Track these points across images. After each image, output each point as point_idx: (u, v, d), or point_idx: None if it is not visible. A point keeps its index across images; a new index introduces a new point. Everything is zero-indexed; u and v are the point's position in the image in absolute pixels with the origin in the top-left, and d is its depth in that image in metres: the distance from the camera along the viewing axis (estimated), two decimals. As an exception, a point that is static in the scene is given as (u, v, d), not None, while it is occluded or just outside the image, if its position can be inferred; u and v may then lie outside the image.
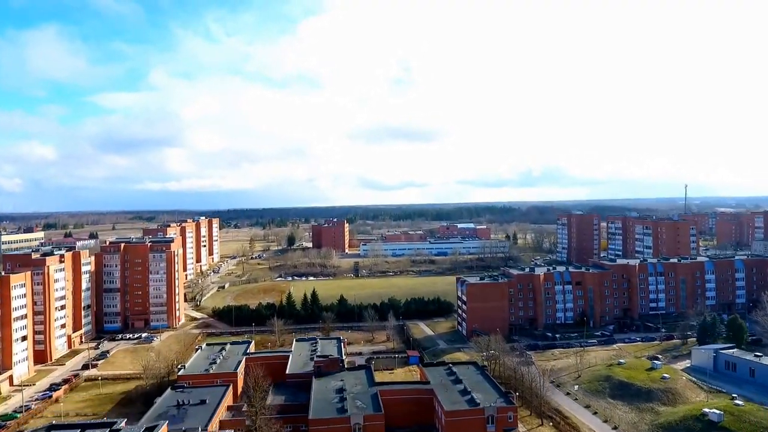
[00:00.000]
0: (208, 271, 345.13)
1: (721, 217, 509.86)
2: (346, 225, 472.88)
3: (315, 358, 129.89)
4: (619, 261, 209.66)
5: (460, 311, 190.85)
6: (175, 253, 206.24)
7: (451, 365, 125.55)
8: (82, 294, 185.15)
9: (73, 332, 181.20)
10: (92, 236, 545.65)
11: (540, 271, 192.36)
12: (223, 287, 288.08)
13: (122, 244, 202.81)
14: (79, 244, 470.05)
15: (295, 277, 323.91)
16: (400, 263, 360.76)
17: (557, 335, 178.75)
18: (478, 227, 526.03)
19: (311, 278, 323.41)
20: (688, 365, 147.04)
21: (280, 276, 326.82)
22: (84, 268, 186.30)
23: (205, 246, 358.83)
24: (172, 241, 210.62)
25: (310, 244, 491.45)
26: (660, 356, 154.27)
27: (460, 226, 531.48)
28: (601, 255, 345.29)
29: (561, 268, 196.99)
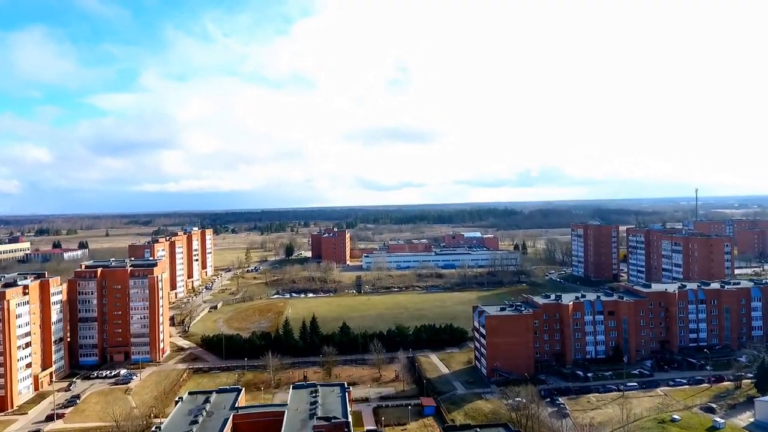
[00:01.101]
0: (201, 287, 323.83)
1: (740, 225, 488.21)
2: (347, 235, 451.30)
3: (315, 421, 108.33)
4: (655, 286, 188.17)
5: (477, 344, 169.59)
6: (159, 278, 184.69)
7: (478, 430, 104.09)
8: (52, 327, 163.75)
9: (42, 371, 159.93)
10: (82, 245, 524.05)
11: (568, 300, 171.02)
12: (216, 307, 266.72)
13: (99, 269, 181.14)
14: (66, 255, 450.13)
15: (293, 294, 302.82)
16: (405, 277, 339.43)
17: (589, 374, 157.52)
18: (485, 236, 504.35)
19: (311, 295, 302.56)
20: (752, 420, 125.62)
21: (278, 293, 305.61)
22: (54, 298, 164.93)
23: (197, 260, 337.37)
24: (156, 265, 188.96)
25: (309, 253, 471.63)
26: (715, 406, 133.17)
27: (466, 235, 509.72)
28: (620, 268, 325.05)
29: (591, 297, 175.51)
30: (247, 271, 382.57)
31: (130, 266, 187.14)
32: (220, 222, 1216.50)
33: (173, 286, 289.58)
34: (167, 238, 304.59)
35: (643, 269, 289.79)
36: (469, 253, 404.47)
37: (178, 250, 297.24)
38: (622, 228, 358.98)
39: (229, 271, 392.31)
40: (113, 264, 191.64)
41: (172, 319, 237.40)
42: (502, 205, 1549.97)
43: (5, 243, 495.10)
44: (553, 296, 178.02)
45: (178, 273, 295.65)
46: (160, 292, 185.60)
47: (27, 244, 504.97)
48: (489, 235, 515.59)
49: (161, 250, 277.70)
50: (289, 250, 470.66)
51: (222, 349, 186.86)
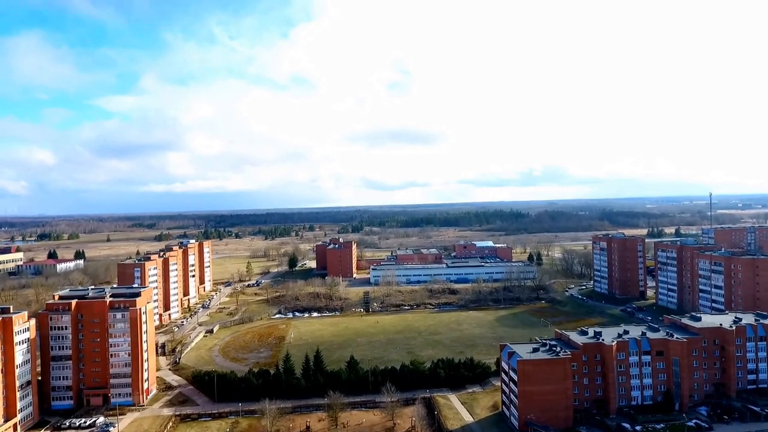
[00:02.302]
0: (197, 306, 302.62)
1: (762, 233, 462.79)
2: (354, 245, 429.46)
3: None
4: (706, 319, 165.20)
5: (506, 389, 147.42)
6: (143, 310, 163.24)
7: None
8: (17, 370, 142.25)
9: (5, 422, 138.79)
10: (78, 255, 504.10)
11: (610, 338, 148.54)
12: (211, 331, 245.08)
13: (74, 302, 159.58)
14: (59, 266, 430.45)
15: (297, 314, 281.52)
16: (415, 293, 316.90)
17: (638, 427, 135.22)
18: (497, 246, 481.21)
19: (315, 314, 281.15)
20: None
21: (279, 312, 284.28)
22: (19, 337, 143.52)
23: (193, 276, 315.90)
24: (139, 294, 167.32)
25: (313, 263, 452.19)
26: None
27: (478, 244, 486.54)
28: (648, 285, 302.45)
29: (636, 333, 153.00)
30: (248, 286, 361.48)
31: (110, 297, 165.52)
32: (225, 224, 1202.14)
33: (167, 307, 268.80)
34: (160, 254, 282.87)
35: (675, 288, 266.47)
36: (483, 266, 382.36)
37: (172, 267, 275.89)
38: (644, 231, 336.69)
39: (229, 285, 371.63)
40: (90, 294, 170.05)
41: (162, 347, 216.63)
42: (507, 204, 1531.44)
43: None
44: (591, 332, 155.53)
45: (172, 292, 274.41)
46: (144, 326, 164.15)
47: (20, 255, 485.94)
48: (501, 245, 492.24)
49: (153, 268, 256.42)
50: (293, 261, 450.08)
51: (214, 388, 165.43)
